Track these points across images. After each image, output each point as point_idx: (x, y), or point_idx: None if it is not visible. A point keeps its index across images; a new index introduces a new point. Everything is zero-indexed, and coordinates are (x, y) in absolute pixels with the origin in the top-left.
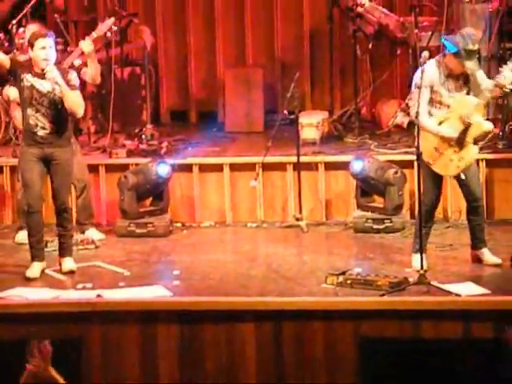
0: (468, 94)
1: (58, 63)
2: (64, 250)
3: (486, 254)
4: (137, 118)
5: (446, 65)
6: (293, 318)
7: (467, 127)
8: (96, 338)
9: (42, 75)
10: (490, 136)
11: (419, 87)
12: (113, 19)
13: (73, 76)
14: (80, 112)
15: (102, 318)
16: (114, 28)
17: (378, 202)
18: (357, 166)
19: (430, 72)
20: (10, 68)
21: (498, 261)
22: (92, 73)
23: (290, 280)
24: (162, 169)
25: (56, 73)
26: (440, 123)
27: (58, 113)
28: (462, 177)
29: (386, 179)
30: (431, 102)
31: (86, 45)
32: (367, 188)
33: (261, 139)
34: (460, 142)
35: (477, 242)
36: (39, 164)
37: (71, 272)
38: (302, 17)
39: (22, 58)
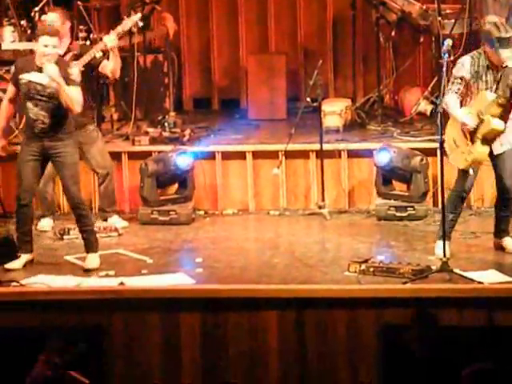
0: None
1: (68, 52)
2: (87, 246)
3: (509, 243)
4: (160, 106)
5: (487, 56)
6: (315, 306)
7: (480, 122)
8: (118, 325)
9: (41, 68)
10: None
11: (454, 77)
12: (139, 15)
13: (74, 71)
14: (76, 108)
15: (125, 305)
16: (140, 24)
17: (399, 189)
18: (383, 157)
19: (462, 64)
20: (16, 86)
21: None
22: (113, 67)
23: (312, 268)
24: (182, 160)
25: (55, 70)
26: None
27: (57, 106)
28: (470, 172)
29: (412, 167)
30: (463, 93)
31: (111, 39)
32: (391, 177)
33: (284, 127)
34: (472, 137)
35: (500, 231)
36: (36, 160)
37: (93, 270)
38: (325, 4)
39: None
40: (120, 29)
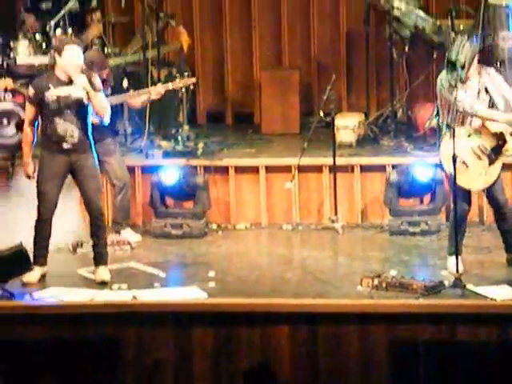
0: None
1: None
2: (98, 260)
3: None
4: (173, 120)
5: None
6: (327, 321)
7: (502, 143)
8: (131, 339)
9: (67, 82)
10: None
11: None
12: (194, 79)
13: (97, 80)
14: (107, 115)
15: (138, 319)
16: (192, 87)
17: (410, 204)
18: (393, 176)
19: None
20: (39, 106)
21: None
22: (137, 104)
23: (325, 283)
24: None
25: (84, 80)
26: (469, 136)
27: (84, 119)
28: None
29: (433, 179)
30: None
31: (157, 92)
32: (403, 193)
33: (297, 141)
34: (490, 157)
35: (508, 246)
36: (59, 176)
37: (104, 283)
38: (339, 19)
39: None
40: (170, 86)
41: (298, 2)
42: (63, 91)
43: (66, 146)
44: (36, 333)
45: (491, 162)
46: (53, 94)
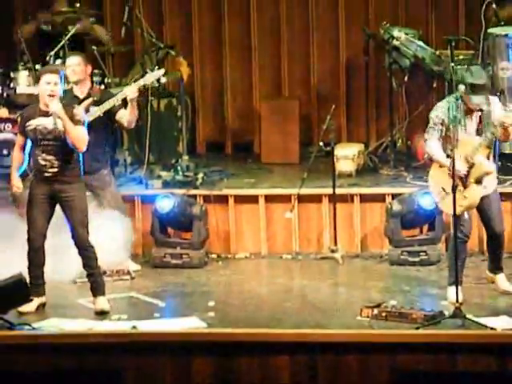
0: (480, 131)
1: (88, 96)
2: (95, 290)
3: (501, 280)
4: (173, 149)
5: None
6: (327, 351)
7: (470, 167)
8: (131, 369)
9: (45, 112)
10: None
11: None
12: (163, 70)
13: (78, 111)
14: (82, 147)
15: (137, 349)
16: (163, 79)
17: (410, 234)
18: (395, 206)
19: (442, 109)
20: (24, 135)
21: (510, 288)
22: (130, 118)
23: (324, 312)
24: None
25: (59, 107)
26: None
27: (64, 149)
28: (465, 216)
29: (431, 209)
30: (445, 138)
31: (132, 91)
32: (404, 223)
33: (296, 171)
34: (463, 182)
35: (493, 268)
36: (46, 202)
37: (103, 313)
38: (338, 49)
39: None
40: (142, 82)
41: (297, 31)
42: (41, 122)
43: (47, 175)
44: (35, 363)
45: (465, 186)
46: (32, 124)
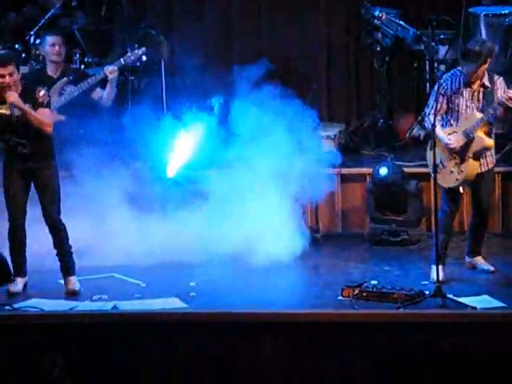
0: (482, 106)
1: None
2: (65, 270)
3: (480, 262)
4: None
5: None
6: (308, 331)
7: (469, 141)
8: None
9: (4, 100)
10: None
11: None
12: (144, 49)
13: (41, 93)
14: (47, 129)
15: (118, 329)
16: (144, 58)
17: (392, 214)
18: (382, 171)
19: (446, 81)
20: None
21: (491, 268)
22: (108, 97)
23: (305, 292)
24: None
25: (14, 98)
26: (448, 135)
27: (32, 131)
28: (461, 190)
29: (409, 190)
30: (448, 110)
31: (111, 71)
32: (384, 198)
33: None
34: (461, 156)
35: (474, 252)
36: (21, 179)
37: (74, 293)
38: (320, 29)
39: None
40: (123, 61)
41: (279, 9)
42: (3, 109)
43: (20, 154)
44: (15, 343)
45: (463, 160)
46: None
